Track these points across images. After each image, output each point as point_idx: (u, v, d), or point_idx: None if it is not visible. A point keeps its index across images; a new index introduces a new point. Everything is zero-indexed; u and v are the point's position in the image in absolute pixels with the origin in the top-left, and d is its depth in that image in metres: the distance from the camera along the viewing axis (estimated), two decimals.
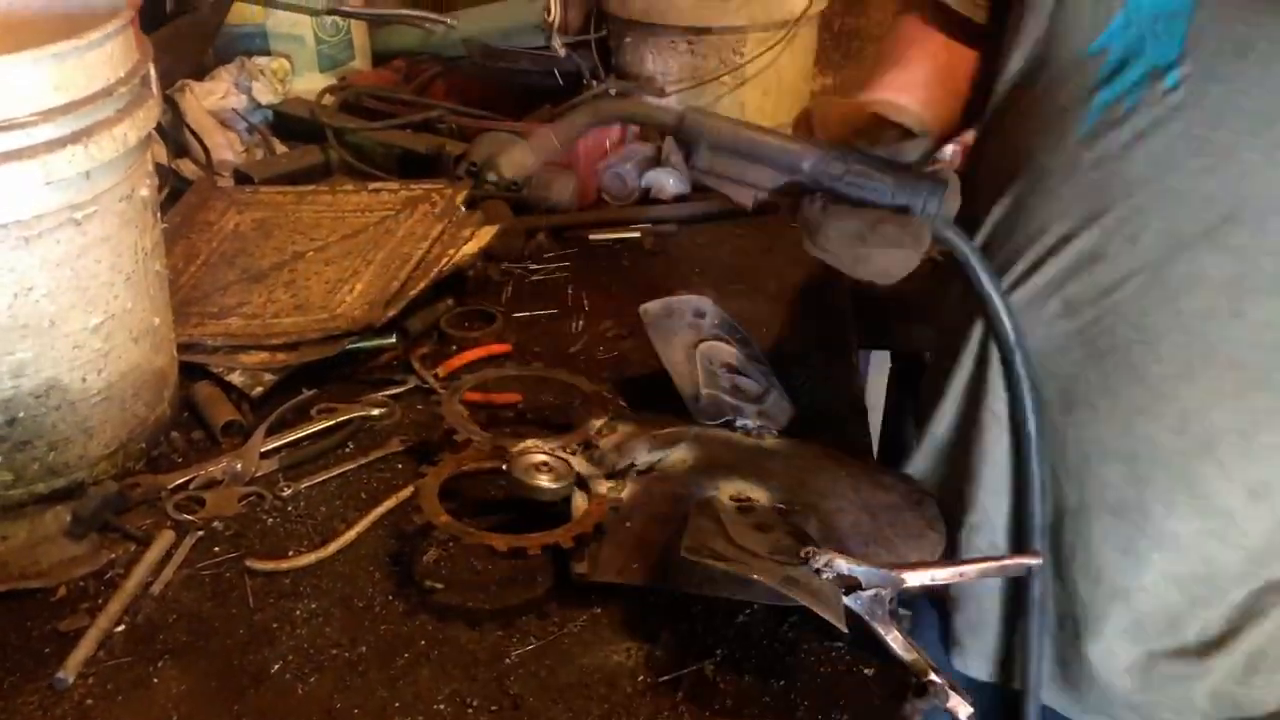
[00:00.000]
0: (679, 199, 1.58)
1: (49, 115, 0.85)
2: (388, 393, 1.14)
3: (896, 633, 0.82)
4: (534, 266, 1.40)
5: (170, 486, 1.00)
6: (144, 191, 0.98)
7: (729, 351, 1.10)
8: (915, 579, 0.83)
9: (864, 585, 0.82)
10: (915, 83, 1.00)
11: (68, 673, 0.81)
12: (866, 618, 0.82)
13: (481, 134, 1.53)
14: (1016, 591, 0.97)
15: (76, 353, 0.95)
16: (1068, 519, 0.93)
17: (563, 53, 1.66)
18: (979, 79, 1.03)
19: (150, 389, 1.03)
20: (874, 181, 0.81)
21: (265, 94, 1.64)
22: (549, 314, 1.30)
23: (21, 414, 0.93)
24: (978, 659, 1.02)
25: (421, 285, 1.23)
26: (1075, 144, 0.87)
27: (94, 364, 0.96)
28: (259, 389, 1.12)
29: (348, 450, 1.06)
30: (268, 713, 0.80)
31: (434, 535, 0.94)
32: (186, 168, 1.53)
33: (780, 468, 0.96)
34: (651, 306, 1.11)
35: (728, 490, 0.91)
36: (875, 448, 1.22)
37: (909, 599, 0.95)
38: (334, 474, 1.03)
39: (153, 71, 0.97)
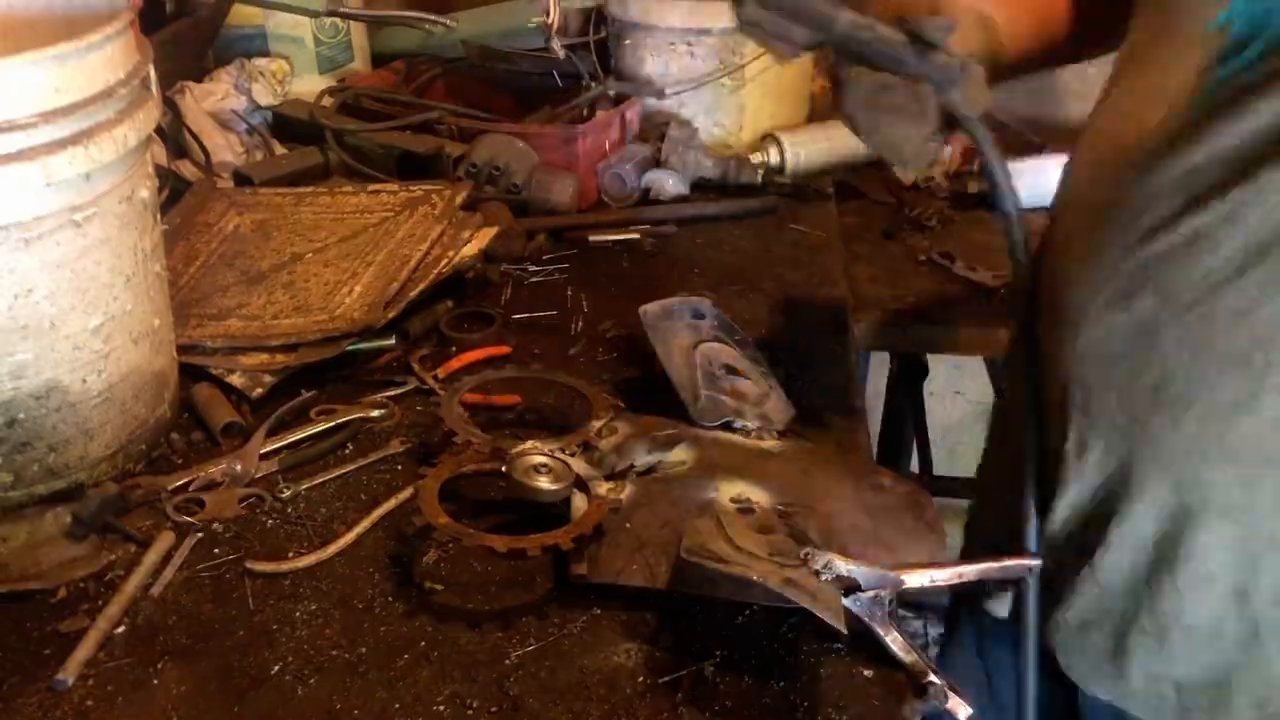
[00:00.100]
0: (678, 200, 1.58)
1: (49, 117, 0.85)
2: (387, 394, 1.14)
3: (896, 634, 0.82)
4: (533, 268, 1.40)
5: (170, 488, 1.00)
6: (144, 193, 0.98)
7: (728, 353, 1.10)
8: (914, 580, 0.83)
9: (863, 586, 0.82)
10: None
11: (68, 674, 0.81)
12: (866, 619, 0.82)
13: (481, 135, 1.54)
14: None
15: (76, 354, 0.95)
16: (1169, 522, 0.87)
17: (562, 54, 1.66)
18: (1081, 12, 1.01)
19: (150, 390, 1.03)
20: (896, 50, 0.83)
21: (265, 95, 1.64)
22: (548, 315, 1.31)
23: (21, 415, 0.93)
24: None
25: (421, 287, 1.23)
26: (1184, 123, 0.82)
27: (94, 365, 0.96)
28: (259, 390, 1.12)
29: (347, 452, 1.07)
30: (268, 714, 0.80)
31: (434, 537, 0.94)
32: (186, 169, 1.53)
33: (780, 469, 0.96)
34: (650, 308, 1.11)
35: (727, 492, 0.92)
36: (875, 448, 1.22)
37: (910, 600, 0.95)
38: (334, 475, 1.03)
39: (153, 73, 0.97)
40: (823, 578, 0.81)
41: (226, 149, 1.58)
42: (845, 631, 0.79)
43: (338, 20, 1.74)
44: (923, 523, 0.93)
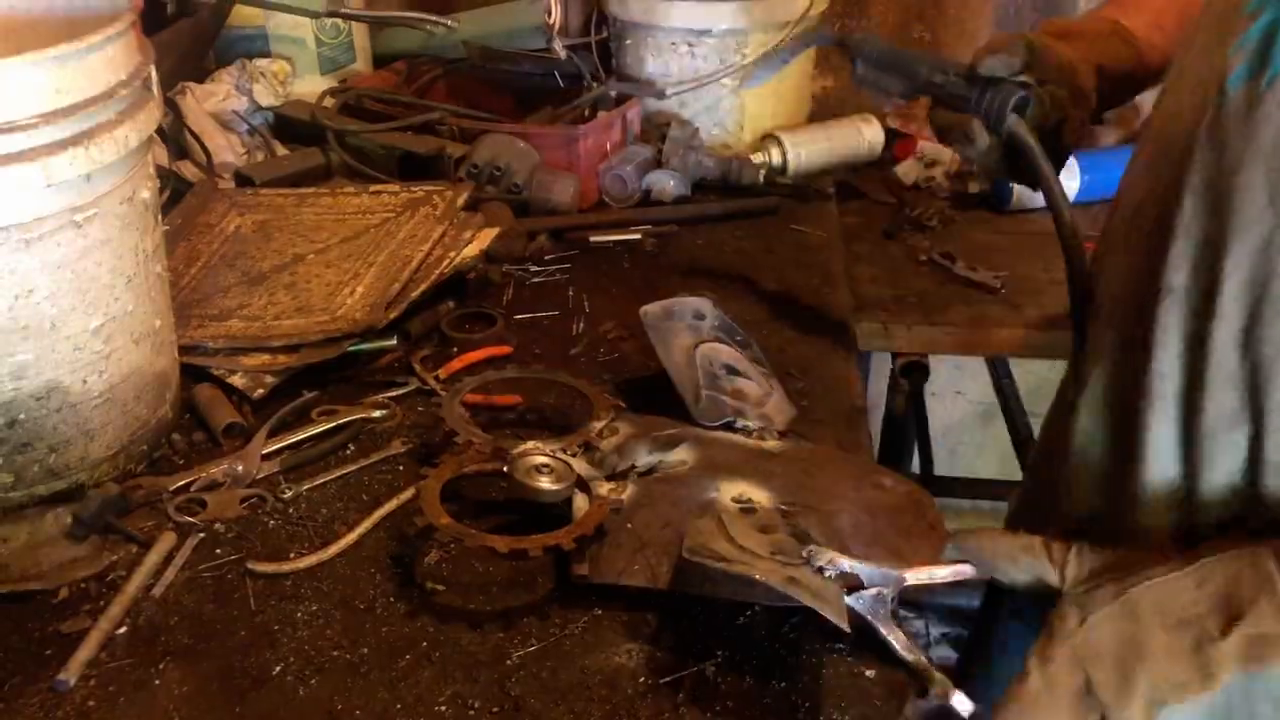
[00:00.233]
0: (680, 201, 1.59)
1: (50, 118, 0.85)
2: (389, 395, 1.14)
3: (899, 632, 0.82)
4: (535, 268, 1.40)
5: (171, 489, 1.00)
6: (145, 194, 0.98)
7: (729, 353, 1.10)
8: (915, 577, 0.83)
9: (866, 584, 0.82)
10: (1148, 5, 1.09)
11: (69, 675, 0.81)
12: (869, 617, 0.82)
13: (482, 136, 1.54)
14: None
15: (77, 355, 0.95)
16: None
17: (563, 55, 1.66)
18: None
19: (151, 391, 1.03)
20: (961, 90, 1.00)
21: (266, 96, 1.64)
22: (550, 316, 1.31)
23: (22, 416, 0.93)
24: None
25: (422, 287, 1.23)
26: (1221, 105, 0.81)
27: (95, 366, 0.96)
28: (260, 391, 1.12)
29: (349, 452, 1.07)
30: (269, 714, 0.80)
31: (436, 538, 0.94)
32: (187, 170, 1.53)
33: (781, 469, 0.96)
34: (651, 308, 1.11)
35: (729, 491, 0.92)
36: (876, 449, 1.22)
37: (911, 600, 0.95)
38: (335, 476, 1.03)
39: (154, 74, 0.97)
40: (826, 574, 0.80)
41: (228, 150, 1.58)
42: (849, 630, 0.79)
43: (339, 21, 1.74)
44: (924, 522, 0.93)
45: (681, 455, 0.97)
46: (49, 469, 0.96)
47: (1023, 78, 0.98)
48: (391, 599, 0.90)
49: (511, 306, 1.32)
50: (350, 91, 1.70)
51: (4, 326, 0.90)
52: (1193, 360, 0.83)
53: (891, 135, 1.85)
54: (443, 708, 0.80)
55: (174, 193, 1.43)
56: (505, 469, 0.93)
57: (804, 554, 0.81)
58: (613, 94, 1.67)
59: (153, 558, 0.92)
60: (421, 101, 1.69)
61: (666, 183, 1.58)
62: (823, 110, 1.84)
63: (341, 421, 1.09)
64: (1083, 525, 0.98)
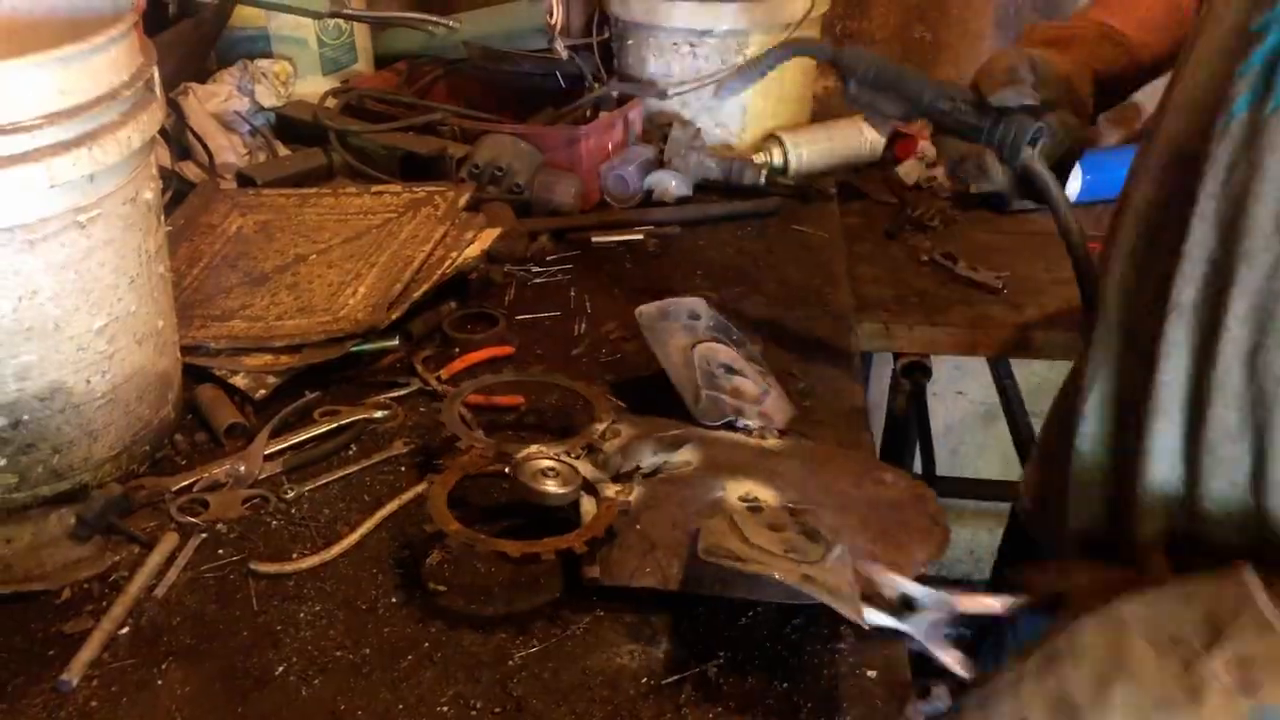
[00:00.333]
0: (681, 201, 1.59)
1: (53, 119, 0.86)
2: (391, 395, 1.14)
3: (956, 652, 0.80)
4: (536, 269, 1.40)
5: (174, 489, 1.00)
6: (148, 194, 0.99)
7: (726, 352, 1.10)
8: (970, 606, 0.82)
9: (919, 606, 0.81)
10: (1137, 4, 1.08)
11: (72, 675, 0.81)
12: (924, 641, 0.81)
13: (484, 136, 1.54)
14: None
15: (81, 355, 0.95)
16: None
17: (565, 55, 1.66)
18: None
19: (154, 392, 1.03)
20: (971, 119, 0.98)
21: (268, 97, 1.64)
22: (552, 316, 1.31)
23: (26, 417, 0.93)
24: None
25: (424, 288, 1.23)
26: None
27: (98, 367, 0.96)
28: (262, 391, 1.12)
29: (351, 453, 1.07)
30: (272, 715, 0.80)
31: (447, 543, 0.94)
32: (189, 170, 1.53)
33: (784, 467, 0.96)
34: (646, 309, 1.11)
35: (735, 491, 0.92)
36: (878, 449, 1.22)
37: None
38: (337, 476, 1.03)
39: (156, 75, 0.97)
40: (884, 592, 0.80)
41: (230, 150, 1.58)
42: (866, 625, 0.78)
43: (340, 22, 1.74)
44: (927, 517, 0.93)
45: (685, 456, 0.97)
46: (53, 470, 0.96)
47: (1030, 101, 0.96)
48: (393, 599, 0.90)
49: (513, 307, 1.32)
50: (352, 92, 1.70)
51: (8, 327, 0.90)
52: (1198, 374, 0.83)
53: (892, 135, 1.85)
54: (445, 708, 0.80)
55: (176, 193, 1.43)
56: (511, 472, 0.93)
57: (826, 542, 0.81)
58: (614, 94, 1.67)
59: (155, 558, 0.92)
60: (423, 102, 1.69)
61: (668, 183, 1.58)
62: (824, 110, 1.84)
63: (344, 422, 1.09)
64: (1083, 528, 0.98)
